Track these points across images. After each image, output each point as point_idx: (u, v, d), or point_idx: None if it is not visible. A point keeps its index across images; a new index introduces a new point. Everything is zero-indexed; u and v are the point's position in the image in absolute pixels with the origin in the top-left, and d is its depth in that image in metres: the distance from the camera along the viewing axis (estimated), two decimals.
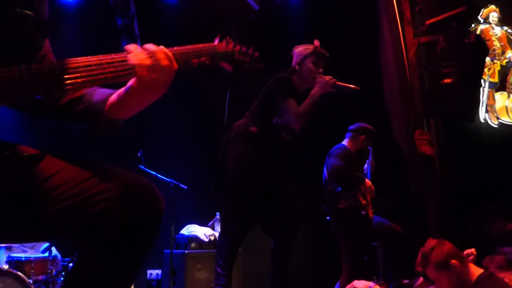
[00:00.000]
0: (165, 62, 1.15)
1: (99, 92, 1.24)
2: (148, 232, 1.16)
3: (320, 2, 5.80)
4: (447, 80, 4.07)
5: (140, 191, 1.15)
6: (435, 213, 4.40)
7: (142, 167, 4.26)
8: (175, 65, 1.17)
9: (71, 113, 1.23)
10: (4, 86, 0.99)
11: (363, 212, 3.81)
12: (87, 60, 1.09)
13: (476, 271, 2.32)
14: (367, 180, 3.95)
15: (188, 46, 1.23)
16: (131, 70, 1.13)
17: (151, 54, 1.15)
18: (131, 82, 1.16)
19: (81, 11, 5.86)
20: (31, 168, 1.11)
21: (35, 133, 4.76)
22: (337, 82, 2.87)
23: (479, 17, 5.41)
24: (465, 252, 2.56)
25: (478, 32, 5.31)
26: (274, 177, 2.88)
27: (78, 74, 1.07)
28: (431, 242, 2.43)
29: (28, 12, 1.06)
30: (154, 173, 4.28)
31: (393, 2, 4.31)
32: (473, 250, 2.70)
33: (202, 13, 5.94)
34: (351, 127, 4.11)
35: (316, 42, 3.03)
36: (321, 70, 2.95)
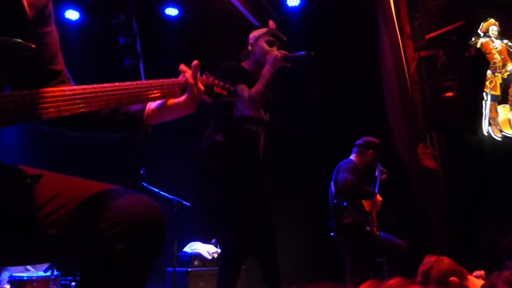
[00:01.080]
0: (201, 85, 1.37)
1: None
2: (151, 251, 1.16)
3: (320, 18, 5.86)
4: (449, 94, 4.08)
5: (142, 210, 1.15)
6: (440, 227, 4.35)
7: (145, 184, 4.25)
8: (202, 88, 1.40)
9: (112, 124, 1.34)
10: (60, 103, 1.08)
11: (368, 229, 3.77)
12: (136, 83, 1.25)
13: (477, 283, 2.28)
14: (378, 195, 3.91)
15: (173, 79, 1.38)
16: (177, 90, 1.34)
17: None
18: (180, 98, 1.36)
19: (84, 30, 5.93)
20: (30, 188, 1.11)
21: (38, 152, 4.79)
22: (288, 54, 2.64)
23: (479, 30, 5.45)
24: (473, 274, 2.51)
25: (478, 46, 5.35)
26: (251, 190, 2.68)
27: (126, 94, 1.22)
28: (429, 259, 2.38)
29: (28, 43, 1.09)
30: (157, 190, 4.28)
31: (393, 18, 4.34)
32: (482, 272, 2.63)
33: (203, 30, 6.00)
34: (358, 142, 4.07)
35: (271, 24, 2.87)
36: (275, 49, 2.71)
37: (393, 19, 4.34)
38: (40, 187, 1.11)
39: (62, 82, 1.32)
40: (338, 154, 4.20)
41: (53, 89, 1.11)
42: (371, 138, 4.07)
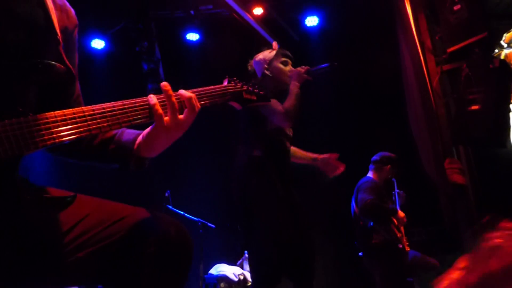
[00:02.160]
0: (188, 104, 1.21)
1: (128, 133, 1.29)
2: (179, 273, 1.15)
3: (339, 39, 5.88)
4: (474, 107, 4.00)
5: (170, 232, 1.15)
6: (471, 244, 4.22)
7: (170, 207, 4.29)
8: (198, 105, 1.24)
9: (103, 154, 1.28)
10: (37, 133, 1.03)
11: (400, 246, 3.69)
12: (112, 105, 1.14)
13: None
14: (399, 211, 3.85)
15: (200, 89, 1.30)
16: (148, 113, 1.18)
17: (177, 97, 1.21)
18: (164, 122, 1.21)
19: (109, 57, 6.12)
20: (60, 211, 1.12)
21: (65, 175, 4.89)
22: (310, 69, 2.82)
23: (502, 42, 5.36)
24: None
25: (502, 57, 5.25)
26: (291, 207, 2.69)
27: (104, 119, 1.12)
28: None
29: (58, 64, 1.11)
30: (182, 212, 4.30)
31: (413, 33, 4.32)
32: None
33: (223, 53, 6.09)
34: (374, 158, 4.05)
35: (275, 45, 3.04)
36: (290, 67, 2.90)
37: (413, 34, 4.31)
38: (68, 210, 1.11)
39: (78, 104, 1.31)
40: (361, 171, 4.15)
41: (82, 108, 1.11)
42: (387, 153, 4.04)
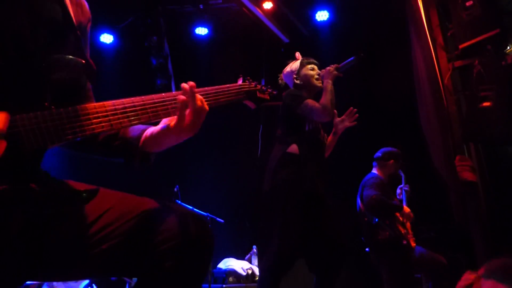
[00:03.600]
0: (198, 104, 1.20)
1: (133, 129, 1.31)
2: (201, 266, 1.16)
3: (349, 32, 5.83)
4: (486, 104, 3.96)
5: (193, 227, 1.15)
6: (482, 242, 4.19)
7: (179, 201, 4.30)
8: (206, 107, 1.23)
9: (109, 149, 1.30)
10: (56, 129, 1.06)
11: (404, 242, 3.67)
12: (131, 101, 1.16)
13: None
14: (405, 207, 3.83)
15: (216, 87, 1.32)
16: (170, 111, 1.19)
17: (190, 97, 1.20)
18: (168, 121, 1.23)
19: (118, 52, 6.13)
20: (83, 204, 1.13)
21: (73, 169, 4.92)
22: (338, 65, 3.02)
23: None
24: None
25: None
26: (319, 200, 2.83)
27: (125, 115, 1.14)
28: (469, 278, 2.28)
29: (79, 59, 1.15)
30: (190, 207, 4.32)
31: (425, 29, 4.27)
32: None
33: (233, 47, 6.08)
34: (376, 155, 4.04)
35: (298, 55, 3.21)
36: (317, 70, 3.13)
37: (425, 30, 4.26)
38: (91, 202, 1.12)
39: (89, 98, 1.36)
40: (369, 168, 4.13)
41: (103, 103, 1.13)
42: (389, 148, 4.03)
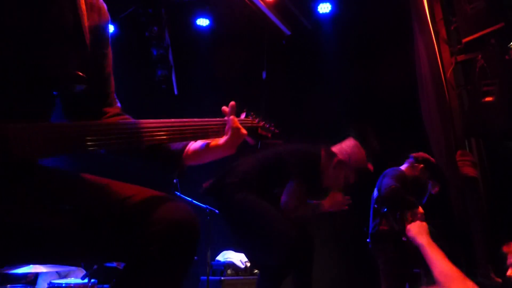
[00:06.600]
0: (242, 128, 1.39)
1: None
2: (186, 252, 1.18)
3: (352, 26, 5.79)
4: (488, 99, 3.93)
5: (176, 212, 1.18)
6: (481, 238, 4.18)
7: (178, 193, 4.29)
8: (245, 131, 1.41)
9: (152, 158, 1.40)
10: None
11: (404, 239, 3.67)
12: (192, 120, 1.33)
13: None
14: (420, 208, 3.80)
15: (218, 119, 1.42)
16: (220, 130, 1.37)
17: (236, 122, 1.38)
18: (219, 141, 1.38)
19: (118, 42, 6.08)
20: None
21: (70, 159, 4.90)
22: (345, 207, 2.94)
23: None
24: None
25: None
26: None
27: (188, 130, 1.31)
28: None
29: (79, 73, 1.20)
30: (189, 199, 4.31)
31: (428, 22, 4.24)
32: None
33: (234, 39, 6.03)
34: (414, 153, 4.00)
35: (370, 166, 3.06)
36: (347, 181, 2.98)
37: (428, 24, 4.23)
38: (79, 187, 1.17)
39: (110, 105, 1.40)
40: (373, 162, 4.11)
41: (145, 120, 1.23)
42: (427, 155, 3.97)
